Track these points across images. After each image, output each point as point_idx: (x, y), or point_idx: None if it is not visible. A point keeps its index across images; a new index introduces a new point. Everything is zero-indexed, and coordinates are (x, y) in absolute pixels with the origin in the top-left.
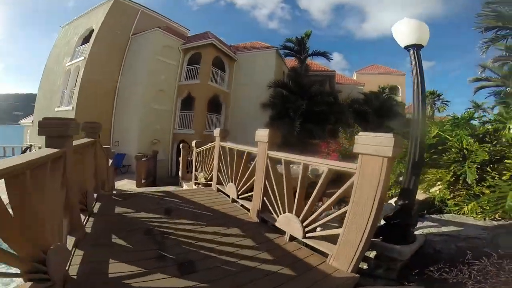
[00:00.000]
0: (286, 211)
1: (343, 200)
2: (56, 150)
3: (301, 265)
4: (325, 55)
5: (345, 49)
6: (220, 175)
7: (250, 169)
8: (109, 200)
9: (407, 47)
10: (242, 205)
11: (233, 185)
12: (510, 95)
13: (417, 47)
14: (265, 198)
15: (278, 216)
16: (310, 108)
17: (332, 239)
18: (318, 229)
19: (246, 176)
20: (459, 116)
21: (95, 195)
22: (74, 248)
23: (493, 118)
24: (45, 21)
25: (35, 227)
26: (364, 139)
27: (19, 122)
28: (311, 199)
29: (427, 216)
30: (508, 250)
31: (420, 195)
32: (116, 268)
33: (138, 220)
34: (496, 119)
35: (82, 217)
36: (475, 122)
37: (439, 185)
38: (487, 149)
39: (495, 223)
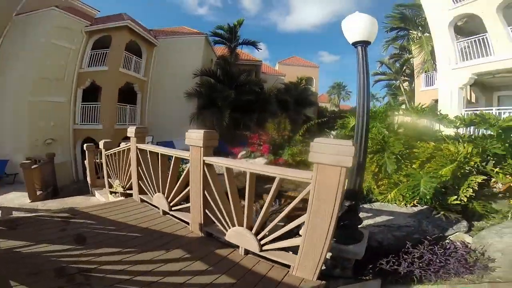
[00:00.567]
0: (236, 224)
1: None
2: None
3: (266, 282)
4: (254, 44)
5: (269, 39)
6: (142, 183)
7: (183, 176)
8: None
9: (355, 44)
10: (178, 218)
11: (162, 195)
12: (398, 88)
13: (365, 44)
14: (207, 211)
15: (227, 230)
16: (238, 98)
17: (291, 248)
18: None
19: (178, 185)
20: (376, 110)
21: None
22: None
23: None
24: None
25: None
26: (320, 147)
27: None
28: (263, 211)
29: (360, 206)
30: (431, 234)
31: None
32: None
33: (40, 256)
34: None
35: None
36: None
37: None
38: (402, 140)
39: (415, 209)
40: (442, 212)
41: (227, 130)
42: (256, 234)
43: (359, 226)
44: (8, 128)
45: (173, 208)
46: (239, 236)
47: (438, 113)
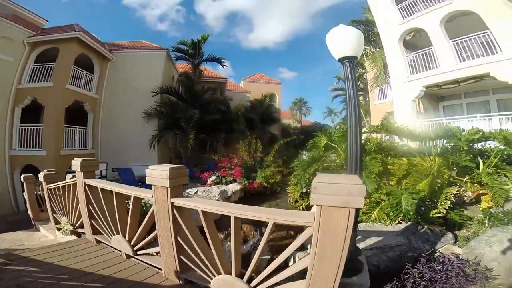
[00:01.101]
0: (222, 272)
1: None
2: None
3: None
4: (220, 61)
5: (232, 56)
6: (95, 223)
7: (147, 219)
8: None
9: (341, 60)
10: (147, 263)
11: (123, 238)
12: None
13: (352, 59)
14: (182, 257)
15: (211, 278)
16: (203, 117)
17: None
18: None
19: (141, 228)
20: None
21: None
22: None
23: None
24: None
25: None
26: (326, 188)
27: None
28: (255, 258)
29: None
30: (422, 250)
31: None
32: None
33: None
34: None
35: None
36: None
37: None
38: (378, 159)
39: (401, 226)
40: (426, 226)
41: (192, 153)
42: (249, 281)
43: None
44: None
45: (138, 252)
46: (228, 286)
47: (405, 128)
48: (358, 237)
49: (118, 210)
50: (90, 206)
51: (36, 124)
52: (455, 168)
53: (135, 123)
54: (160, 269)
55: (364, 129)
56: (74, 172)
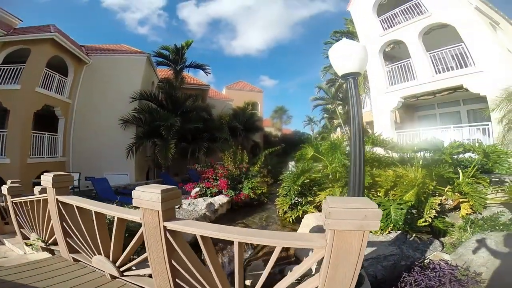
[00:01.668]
0: None
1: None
2: None
3: None
4: (203, 68)
5: (214, 63)
6: (71, 241)
7: (135, 241)
8: None
9: (345, 76)
10: (137, 285)
11: (106, 259)
12: (334, 112)
13: (356, 75)
14: (178, 280)
15: None
16: (184, 125)
17: None
18: None
19: (128, 250)
20: (335, 141)
21: None
22: None
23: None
24: None
25: None
26: (341, 213)
27: None
28: (262, 280)
29: None
30: (413, 258)
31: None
32: None
33: None
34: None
35: None
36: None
37: None
38: (368, 172)
39: (391, 235)
40: (414, 235)
41: (172, 161)
42: None
43: None
44: None
45: (125, 273)
46: None
47: (390, 141)
48: None
49: (99, 230)
50: (64, 224)
51: None
52: (435, 179)
53: (111, 130)
54: None
55: (348, 142)
56: (41, 184)
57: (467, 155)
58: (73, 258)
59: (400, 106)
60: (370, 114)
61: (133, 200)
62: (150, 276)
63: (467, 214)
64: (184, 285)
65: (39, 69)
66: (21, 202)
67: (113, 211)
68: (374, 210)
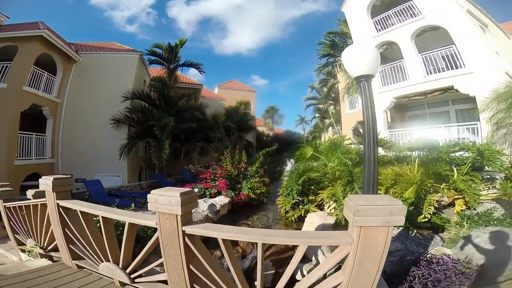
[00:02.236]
0: None
1: None
2: None
3: None
4: (197, 66)
5: (204, 62)
6: (75, 248)
7: (149, 246)
8: None
9: (358, 78)
10: None
11: (115, 266)
12: (326, 111)
13: (369, 78)
14: (196, 286)
15: None
16: (178, 125)
17: None
18: None
19: (141, 256)
20: (335, 140)
21: None
22: None
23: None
24: None
25: None
26: (368, 210)
27: None
28: (283, 281)
29: None
30: (417, 252)
31: (329, 220)
32: None
33: None
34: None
35: None
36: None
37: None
38: None
39: (394, 232)
40: (415, 231)
41: (169, 164)
42: None
43: None
44: None
45: (136, 280)
46: None
47: (388, 140)
48: None
49: (107, 236)
50: (67, 230)
51: None
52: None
53: (102, 130)
54: None
55: (349, 140)
56: (33, 187)
57: (458, 153)
58: (77, 265)
59: (392, 106)
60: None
61: (148, 204)
62: (163, 282)
63: (461, 210)
64: None
65: (26, 67)
66: (14, 206)
67: (123, 215)
68: (400, 206)
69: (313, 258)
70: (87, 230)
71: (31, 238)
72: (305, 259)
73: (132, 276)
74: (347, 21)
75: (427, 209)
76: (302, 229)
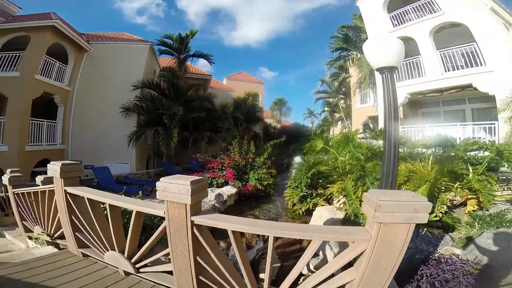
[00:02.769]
0: None
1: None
2: None
3: None
4: (207, 57)
5: (213, 54)
6: (81, 236)
7: (155, 236)
8: None
9: (380, 70)
10: (154, 282)
11: (120, 255)
12: (336, 105)
13: (392, 70)
14: (201, 277)
15: None
16: (187, 114)
17: None
18: None
19: (147, 246)
20: (348, 133)
21: None
22: None
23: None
24: None
25: None
26: (391, 206)
27: None
28: (292, 275)
29: None
30: (426, 251)
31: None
32: None
33: None
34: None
35: None
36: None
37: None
38: (379, 165)
39: None
40: (426, 229)
41: (177, 152)
42: None
43: None
44: None
45: (141, 270)
46: None
47: (402, 136)
48: None
49: (113, 225)
50: (73, 217)
51: None
52: (447, 175)
53: (112, 118)
54: None
55: (361, 135)
56: (43, 173)
57: (473, 153)
58: (82, 253)
59: (406, 102)
60: (374, 109)
61: (157, 192)
62: (168, 272)
63: (473, 210)
64: (207, 282)
65: (38, 56)
66: (23, 193)
67: (131, 204)
68: (424, 203)
69: (320, 253)
70: (93, 218)
71: (39, 225)
72: (314, 254)
73: (137, 265)
74: (362, 15)
75: (439, 207)
76: (309, 222)
